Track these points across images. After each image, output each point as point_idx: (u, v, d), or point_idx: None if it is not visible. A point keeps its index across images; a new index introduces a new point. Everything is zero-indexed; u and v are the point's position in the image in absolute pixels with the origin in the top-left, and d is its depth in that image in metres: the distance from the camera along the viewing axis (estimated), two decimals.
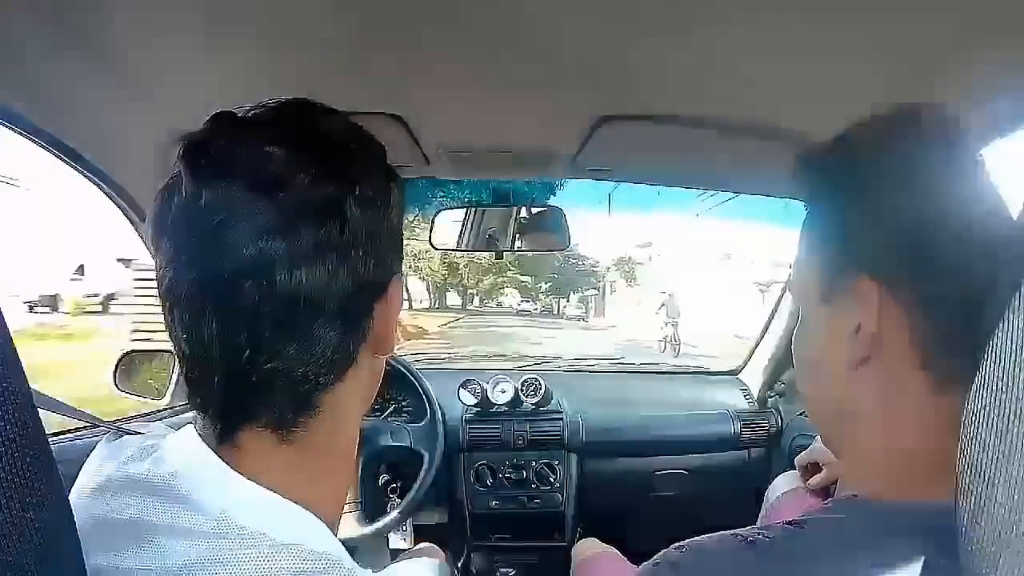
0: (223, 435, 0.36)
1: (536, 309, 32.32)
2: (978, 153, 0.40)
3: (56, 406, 0.39)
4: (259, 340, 0.34)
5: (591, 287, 32.92)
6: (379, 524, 1.10)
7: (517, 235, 1.37)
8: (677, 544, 0.40)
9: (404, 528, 1.33)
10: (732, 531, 0.40)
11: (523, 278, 34.06)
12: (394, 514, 1.11)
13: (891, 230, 0.39)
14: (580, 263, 32.97)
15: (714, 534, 0.40)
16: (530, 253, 1.83)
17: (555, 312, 32.10)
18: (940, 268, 0.37)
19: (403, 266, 0.43)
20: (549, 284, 34.34)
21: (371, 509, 1.14)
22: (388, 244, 0.39)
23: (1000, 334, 0.26)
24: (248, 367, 0.34)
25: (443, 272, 29.97)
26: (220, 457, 0.35)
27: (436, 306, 30.26)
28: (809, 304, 0.45)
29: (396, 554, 1.22)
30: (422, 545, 1.17)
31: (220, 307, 0.33)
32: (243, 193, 0.33)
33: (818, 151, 0.44)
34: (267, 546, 0.32)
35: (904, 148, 0.39)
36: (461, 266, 29.77)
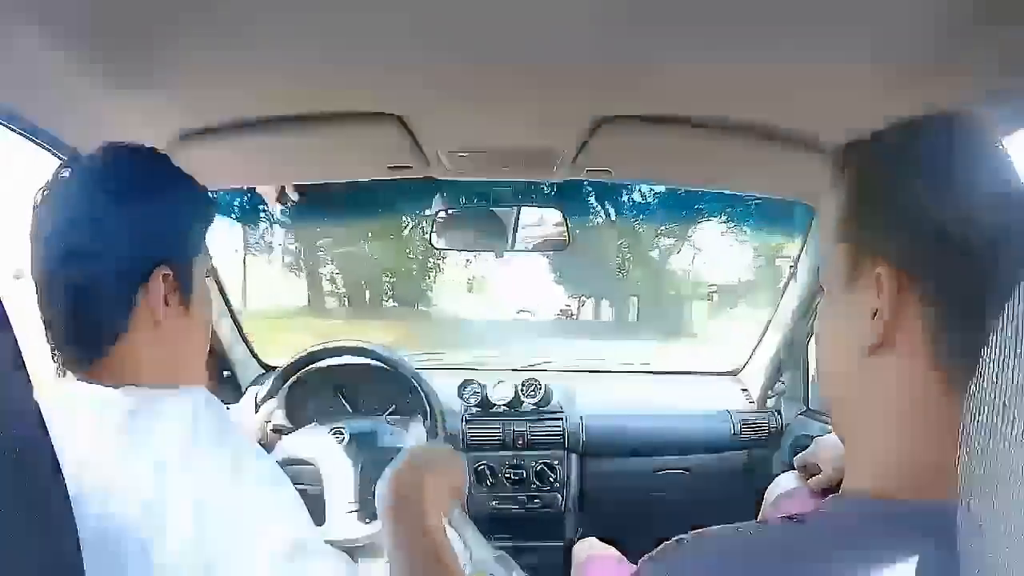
0: None
1: None
2: (1008, 155, 0.40)
3: None
4: None
5: None
6: (379, 524, 1.10)
7: (517, 235, 1.37)
8: (678, 537, 0.41)
9: None
10: (732, 525, 0.40)
11: None
12: None
13: (916, 222, 0.39)
14: None
15: (713, 527, 0.40)
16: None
17: None
18: (961, 265, 0.37)
19: None
20: None
21: (371, 509, 1.14)
22: None
23: (1002, 332, 0.26)
24: None
25: None
26: None
27: None
28: (834, 288, 0.45)
29: None
30: None
31: None
32: None
33: (851, 145, 0.45)
34: None
35: (938, 146, 0.40)
36: None
